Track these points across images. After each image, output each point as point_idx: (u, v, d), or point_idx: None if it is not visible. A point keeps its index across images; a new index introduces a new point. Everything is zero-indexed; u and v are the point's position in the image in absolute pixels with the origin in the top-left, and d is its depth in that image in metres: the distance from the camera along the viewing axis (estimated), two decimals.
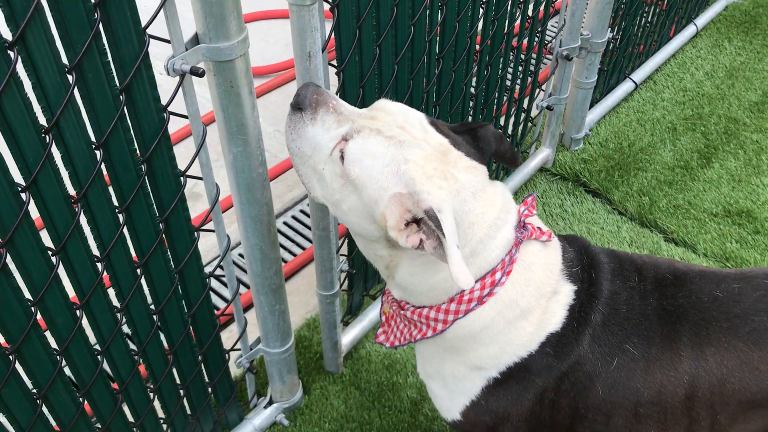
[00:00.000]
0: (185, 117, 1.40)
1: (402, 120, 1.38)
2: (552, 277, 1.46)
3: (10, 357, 1.34)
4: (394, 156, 1.31)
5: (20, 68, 1.07)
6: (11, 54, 1.06)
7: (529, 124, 2.98)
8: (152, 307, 1.60)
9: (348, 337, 2.34)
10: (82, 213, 1.31)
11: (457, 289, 1.40)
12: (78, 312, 1.42)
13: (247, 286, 2.50)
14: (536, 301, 1.44)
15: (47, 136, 1.17)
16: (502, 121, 2.75)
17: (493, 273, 1.38)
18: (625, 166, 3.19)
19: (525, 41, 2.53)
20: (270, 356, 2.02)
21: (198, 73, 1.28)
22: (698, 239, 2.88)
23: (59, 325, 1.39)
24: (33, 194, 1.20)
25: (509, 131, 2.85)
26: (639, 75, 3.59)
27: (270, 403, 2.19)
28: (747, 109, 3.54)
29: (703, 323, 1.43)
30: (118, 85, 1.23)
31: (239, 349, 1.99)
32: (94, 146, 1.26)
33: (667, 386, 1.42)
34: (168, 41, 1.28)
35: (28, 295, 1.31)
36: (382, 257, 1.43)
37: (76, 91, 1.17)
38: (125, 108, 1.26)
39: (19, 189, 1.18)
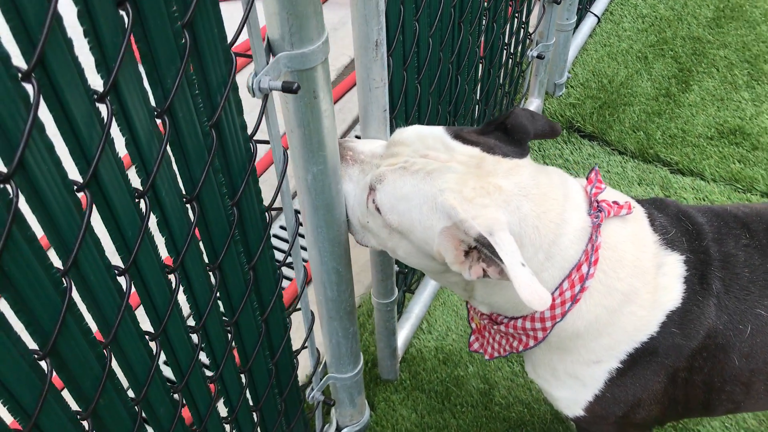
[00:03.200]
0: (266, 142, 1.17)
1: (423, 147, 1.26)
2: (646, 250, 1.33)
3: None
4: (426, 191, 1.20)
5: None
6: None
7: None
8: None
9: (400, 339, 2.16)
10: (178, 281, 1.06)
11: None
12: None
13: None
14: (637, 279, 1.31)
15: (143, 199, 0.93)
16: (501, 78, 2.59)
17: (579, 267, 1.25)
18: (611, 104, 3.10)
19: None
20: (341, 382, 1.82)
21: (293, 88, 1.05)
22: (703, 165, 2.83)
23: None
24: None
25: (506, 88, 2.70)
26: (598, 8, 3.50)
27: (338, 429, 2.00)
28: (706, 26, 3.51)
29: None
30: (207, 120, 0.99)
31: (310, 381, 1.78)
32: (185, 199, 1.02)
33: None
34: (249, 56, 1.04)
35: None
36: (456, 283, 1.34)
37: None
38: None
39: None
